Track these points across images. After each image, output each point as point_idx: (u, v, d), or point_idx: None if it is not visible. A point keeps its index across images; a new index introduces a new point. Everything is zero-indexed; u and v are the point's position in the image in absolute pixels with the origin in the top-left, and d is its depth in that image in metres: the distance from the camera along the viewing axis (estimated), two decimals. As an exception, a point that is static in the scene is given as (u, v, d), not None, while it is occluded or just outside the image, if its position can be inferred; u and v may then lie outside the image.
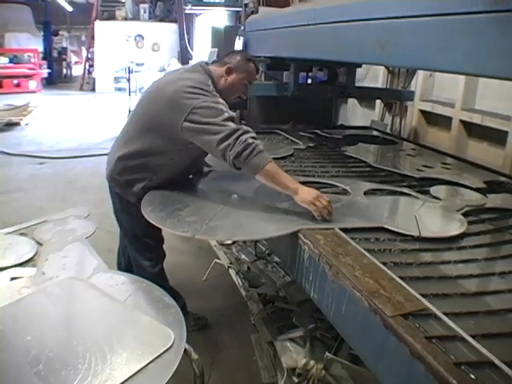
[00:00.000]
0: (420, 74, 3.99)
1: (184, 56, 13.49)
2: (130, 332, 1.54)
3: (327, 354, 2.14)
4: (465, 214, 2.04)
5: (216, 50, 5.28)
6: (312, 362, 2.13)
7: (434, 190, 2.37)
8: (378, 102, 4.64)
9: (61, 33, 20.46)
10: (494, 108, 3.30)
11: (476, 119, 3.33)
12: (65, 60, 19.33)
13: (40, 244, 2.26)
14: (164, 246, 2.56)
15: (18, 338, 1.48)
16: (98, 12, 15.23)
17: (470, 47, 1.39)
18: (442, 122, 3.77)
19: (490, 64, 1.33)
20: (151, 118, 2.16)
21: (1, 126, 8.53)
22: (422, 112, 4.00)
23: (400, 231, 1.79)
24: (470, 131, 3.50)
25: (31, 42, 15.44)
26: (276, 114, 4.00)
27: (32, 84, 14.09)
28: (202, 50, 11.79)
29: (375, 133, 3.98)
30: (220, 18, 10.00)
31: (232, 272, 3.46)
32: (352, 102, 5.10)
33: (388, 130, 4.28)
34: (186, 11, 11.65)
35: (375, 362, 1.30)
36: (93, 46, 15.34)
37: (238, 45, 4.07)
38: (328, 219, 1.83)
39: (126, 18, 15.03)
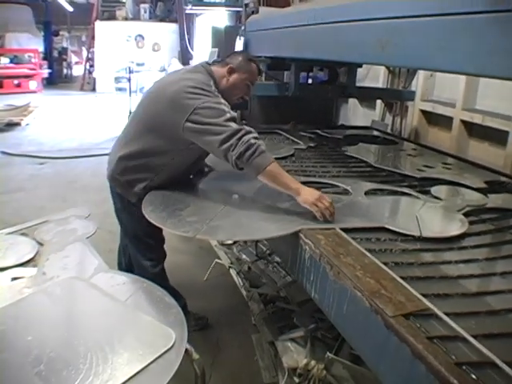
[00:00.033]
0: (421, 73, 3.98)
1: (184, 56, 13.50)
2: (131, 332, 1.54)
3: (328, 354, 2.14)
4: (466, 214, 2.04)
5: (216, 49, 5.28)
6: (313, 362, 2.13)
7: (434, 190, 2.37)
8: (378, 101, 4.64)
9: (61, 33, 20.45)
10: (495, 108, 3.30)
11: (477, 119, 3.33)
12: (65, 60, 19.34)
13: (41, 244, 2.26)
14: (165, 245, 2.56)
15: (19, 338, 1.48)
16: (99, 12, 15.24)
17: (470, 47, 1.39)
18: (443, 122, 3.77)
19: (491, 64, 1.33)
20: (152, 118, 2.16)
21: (1, 126, 8.53)
22: (423, 112, 4.00)
23: (401, 231, 1.79)
24: (470, 131, 3.50)
25: (32, 42, 15.44)
26: (277, 113, 4.00)
27: (32, 84, 14.09)
28: (203, 50, 11.79)
29: (376, 133, 3.98)
30: (220, 18, 10.00)
31: (233, 272, 3.46)
32: (353, 102, 5.10)
33: (389, 130, 4.28)
34: (187, 11, 11.64)
35: (376, 362, 1.30)
36: (93, 46, 15.34)
37: (239, 45, 4.07)
38: (330, 220, 1.83)
39: (126, 18, 15.04)
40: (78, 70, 19.23)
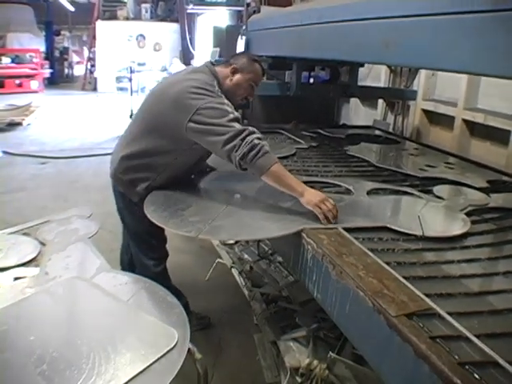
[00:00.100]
0: (422, 73, 3.98)
1: (186, 56, 13.50)
2: (134, 332, 1.54)
3: (330, 353, 2.14)
4: (468, 214, 2.03)
5: (218, 49, 5.28)
6: (315, 362, 2.13)
7: (436, 189, 2.36)
8: (380, 101, 4.64)
9: (62, 33, 20.50)
10: (497, 107, 3.30)
11: (479, 118, 3.33)
12: (66, 60, 19.35)
13: (43, 244, 2.26)
14: (167, 245, 2.56)
15: (21, 338, 1.48)
16: (100, 12, 15.24)
17: (473, 46, 1.39)
18: (445, 121, 3.77)
19: (494, 63, 1.32)
20: (155, 118, 2.16)
21: (3, 126, 8.54)
22: (425, 111, 3.99)
23: (403, 231, 1.79)
24: (472, 130, 3.50)
25: (33, 42, 15.46)
26: (278, 113, 4.00)
27: (34, 84, 14.10)
28: (204, 50, 11.78)
29: (378, 132, 3.98)
30: (222, 17, 9.99)
31: (235, 272, 3.46)
32: (354, 101, 5.09)
33: (390, 130, 4.27)
34: (188, 11, 11.66)
35: (379, 362, 1.30)
36: (94, 46, 15.36)
37: (240, 44, 4.06)
38: (333, 223, 1.82)
39: (127, 18, 15.05)
40: (79, 70, 19.23)
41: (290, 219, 1.86)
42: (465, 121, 3.48)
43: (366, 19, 1.94)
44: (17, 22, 15.08)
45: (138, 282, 1.90)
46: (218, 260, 3.59)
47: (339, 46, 2.27)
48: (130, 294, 1.78)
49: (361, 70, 4.01)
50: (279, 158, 2.07)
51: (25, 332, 1.50)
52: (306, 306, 2.74)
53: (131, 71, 10.34)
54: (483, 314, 1.30)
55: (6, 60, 13.90)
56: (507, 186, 2.55)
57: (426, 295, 1.32)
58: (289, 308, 2.85)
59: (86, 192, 5.31)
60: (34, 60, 14.60)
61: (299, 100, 3.92)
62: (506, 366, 1.05)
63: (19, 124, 8.86)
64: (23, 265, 2.05)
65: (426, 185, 2.45)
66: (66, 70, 19.18)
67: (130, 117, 8.04)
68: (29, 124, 9.12)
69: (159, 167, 2.22)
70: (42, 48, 16.08)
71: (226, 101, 2.08)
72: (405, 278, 1.42)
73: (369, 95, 4.50)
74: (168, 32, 14.86)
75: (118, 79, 14.47)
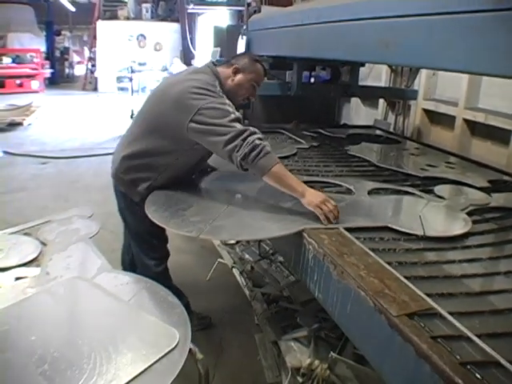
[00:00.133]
0: (423, 72, 3.98)
1: (186, 55, 13.51)
2: (135, 332, 1.55)
3: (332, 353, 2.14)
4: (469, 213, 2.03)
5: (218, 49, 5.28)
6: (316, 362, 2.12)
7: (437, 189, 2.36)
8: (381, 101, 4.64)
9: (63, 33, 20.51)
10: (498, 107, 3.29)
11: (479, 118, 3.32)
12: (67, 60, 19.36)
13: (44, 244, 2.27)
14: (167, 245, 2.56)
15: (22, 338, 1.48)
16: (100, 12, 15.24)
17: (474, 46, 1.39)
18: (446, 120, 3.77)
19: (494, 63, 1.32)
20: (157, 118, 2.16)
21: (4, 126, 8.55)
22: (426, 111, 3.99)
23: (404, 230, 1.79)
24: (473, 130, 3.49)
25: (34, 42, 15.46)
26: (279, 113, 4.00)
27: (34, 84, 14.11)
28: (205, 50, 11.78)
29: (378, 132, 3.97)
30: (222, 17, 9.99)
31: (236, 272, 3.46)
32: (355, 101, 5.09)
33: (391, 129, 4.27)
34: (188, 10, 11.64)
35: (380, 362, 1.30)
36: (95, 46, 15.37)
37: (241, 44, 4.06)
38: (334, 223, 1.82)
39: (128, 18, 15.05)
40: (79, 70, 19.25)
41: (291, 219, 1.86)
42: (466, 120, 3.48)
43: (366, 19, 1.94)
44: (17, 22, 15.09)
45: (139, 282, 1.90)
46: (219, 260, 3.59)
47: (339, 45, 2.27)
48: (131, 294, 1.79)
49: (362, 69, 4.01)
50: (280, 157, 2.07)
51: (26, 332, 1.50)
52: (307, 305, 2.74)
53: (132, 71, 10.34)
54: (484, 313, 1.29)
55: (7, 60, 13.91)
56: (508, 186, 2.55)
57: (428, 295, 1.32)
58: (290, 308, 2.85)
59: (87, 192, 5.32)
60: (35, 60, 14.61)
61: (300, 100, 3.92)
62: (508, 365, 1.05)
63: (20, 124, 8.86)
64: (24, 265, 2.05)
65: (426, 184, 2.45)
66: (67, 70, 19.18)
67: (131, 117, 8.06)
68: (29, 124, 9.13)
69: (160, 167, 2.22)
70: (43, 48, 16.09)
71: (227, 101, 2.08)
72: (406, 277, 1.42)
73: (370, 95, 4.50)
74: (169, 32, 14.87)
75: (119, 79, 14.41)
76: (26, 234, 2.40)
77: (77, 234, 2.42)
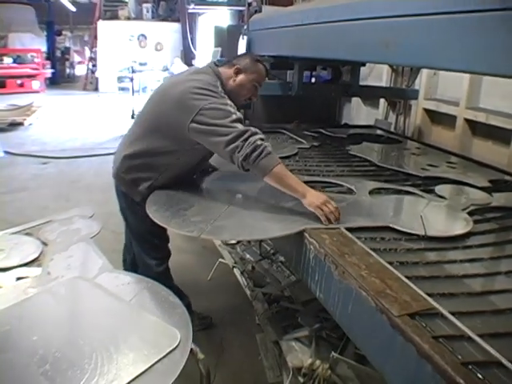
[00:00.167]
0: (424, 72, 3.97)
1: (187, 55, 13.50)
2: (136, 332, 1.55)
3: (333, 353, 2.14)
4: (470, 213, 2.03)
5: (219, 49, 5.28)
6: (318, 362, 2.12)
7: (439, 188, 2.36)
8: (381, 100, 4.63)
9: (64, 33, 20.53)
10: (499, 106, 3.29)
11: (480, 118, 3.32)
12: (68, 60, 19.38)
13: (45, 244, 2.27)
14: (169, 245, 2.56)
15: (24, 338, 1.48)
16: (101, 12, 15.24)
17: (474, 45, 1.39)
18: (447, 120, 3.76)
19: (495, 62, 1.32)
20: (158, 118, 2.16)
21: (4, 126, 8.55)
22: (426, 111, 3.99)
23: (405, 230, 1.79)
24: (474, 130, 3.49)
25: (34, 42, 15.48)
26: (280, 113, 3.99)
27: (35, 84, 14.12)
28: (205, 50, 11.78)
29: (379, 132, 3.97)
30: (223, 17, 9.99)
31: (237, 271, 3.46)
32: (356, 100, 5.09)
33: (392, 129, 4.26)
34: (189, 10, 11.63)
35: (382, 362, 1.30)
36: (96, 46, 15.37)
37: (242, 44, 4.06)
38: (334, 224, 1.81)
39: (128, 18, 15.05)
40: (80, 70, 19.27)
41: (292, 219, 1.86)
42: (467, 120, 3.47)
43: (367, 19, 1.94)
44: (18, 22, 15.10)
45: (141, 282, 1.90)
46: (220, 260, 3.59)
47: (340, 45, 2.27)
48: (133, 294, 1.78)
49: (362, 69, 4.00)
50: (281, 157, 2.07)
51: (27, 332, 1.50)
52: (308, 305, 2.73)
53: (133, 71, 10.33)
54: (486, 313, 1.29)
55: (8, 60, 13.94)
56: (509, 186, 2.55)
57: (429, 295, 1.32)
58: (291, 308, 2.85)
59: (88, 192, 5.32)
60: (36, 60, 14.63)
61: (301, 100, 3.92)
62: (510, 365, 1.05)
63: (21, 124, 8.87)
64: (25, 265, 2.06)
65: (428, 184, 2.45)
66: (68, 70, 19.21)
67: (132, 117, 8.06)
68: (30, 124, 9.13)
69: (161, 167, 2.22)
70: (44, 48, 16.12)
71: (228, 101, 2.08)
72: (407, 277, 1.42)
73: (370, 95, 4.50)
74: (169, 32, 14.86)
75: (120, 79, 14.44)
76: (27, 234, 2.40)
77: (78, 233, 2.42)
